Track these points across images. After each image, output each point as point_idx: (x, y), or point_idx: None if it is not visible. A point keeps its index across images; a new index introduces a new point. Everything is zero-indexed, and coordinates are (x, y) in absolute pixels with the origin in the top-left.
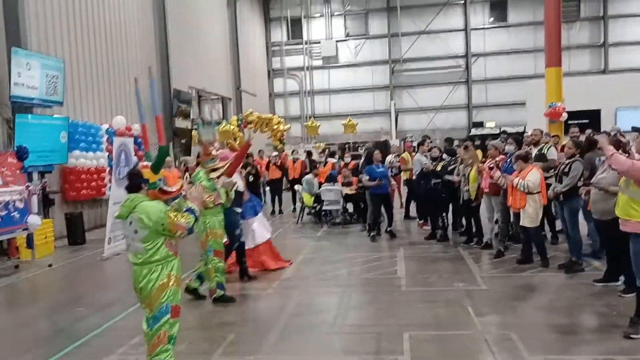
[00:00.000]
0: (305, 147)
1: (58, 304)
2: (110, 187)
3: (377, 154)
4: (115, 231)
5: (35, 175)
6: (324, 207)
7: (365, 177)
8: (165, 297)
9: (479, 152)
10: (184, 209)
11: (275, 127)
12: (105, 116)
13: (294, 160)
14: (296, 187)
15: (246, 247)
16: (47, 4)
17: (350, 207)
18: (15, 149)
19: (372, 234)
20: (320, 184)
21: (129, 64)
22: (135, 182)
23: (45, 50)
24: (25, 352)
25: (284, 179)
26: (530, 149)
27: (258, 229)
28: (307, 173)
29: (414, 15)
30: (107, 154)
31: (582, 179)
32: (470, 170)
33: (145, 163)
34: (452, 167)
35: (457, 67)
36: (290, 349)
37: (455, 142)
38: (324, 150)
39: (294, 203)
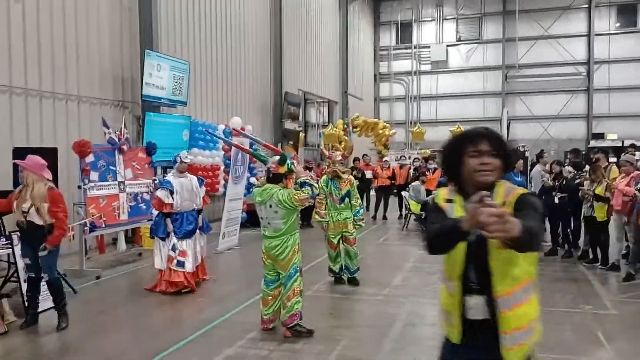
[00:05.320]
0: (409, 154)
1: (180, 293)
2: (224, 184)
3: (519, 163)
4: (229, 227)
5: (158, 170)
6: None
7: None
8: (296, 260)
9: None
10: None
11: (381, 131)
12: (222, 116)
13: (401, 166)
14: (403, 193)
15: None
16: (177, 11)
17: None
18: (145, 144)
19: None
20: (428, 192)
21: (246, 67)
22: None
23: (172, 53)
24: (149, 337)
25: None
26: None
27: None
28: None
29: (532, 19)
30: (222, 153)
31: None
32: (597, 186)
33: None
34: (578, 181)
35: (577, 74)
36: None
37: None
38: (430, 157)
39: (400, 210)
